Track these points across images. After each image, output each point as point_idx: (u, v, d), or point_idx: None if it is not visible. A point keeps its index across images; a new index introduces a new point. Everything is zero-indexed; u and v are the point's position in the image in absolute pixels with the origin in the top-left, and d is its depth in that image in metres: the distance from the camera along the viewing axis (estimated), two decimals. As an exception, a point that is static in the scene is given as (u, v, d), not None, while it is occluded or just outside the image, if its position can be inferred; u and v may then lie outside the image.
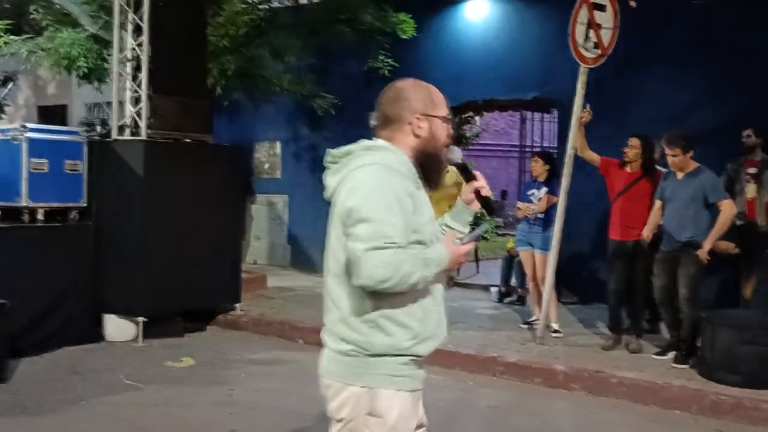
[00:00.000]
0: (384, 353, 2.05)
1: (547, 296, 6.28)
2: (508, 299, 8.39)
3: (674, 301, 5.65)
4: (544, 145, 18.63)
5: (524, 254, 6.90)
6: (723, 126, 6.80)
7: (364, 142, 2.15)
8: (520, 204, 6.89)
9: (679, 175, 5.68)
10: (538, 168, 6.87)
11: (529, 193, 6.87)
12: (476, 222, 2.41)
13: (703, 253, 5.41)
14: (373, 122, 2.22)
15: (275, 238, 11.03)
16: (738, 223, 6.01)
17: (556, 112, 9.84)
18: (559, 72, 7.51)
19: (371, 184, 2.01)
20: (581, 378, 5.45)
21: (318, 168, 2.31)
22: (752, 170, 6.43)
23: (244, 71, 8.69)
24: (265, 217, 11.10)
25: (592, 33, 5.99)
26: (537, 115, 20.12)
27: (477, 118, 15.49)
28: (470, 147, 16.52)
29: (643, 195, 6.02)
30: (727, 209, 5.47)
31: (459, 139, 12.86)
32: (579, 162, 6.26)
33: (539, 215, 6.66)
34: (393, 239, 1.95)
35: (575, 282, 8.06)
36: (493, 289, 8.61)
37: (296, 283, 9.25)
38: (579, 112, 6.07)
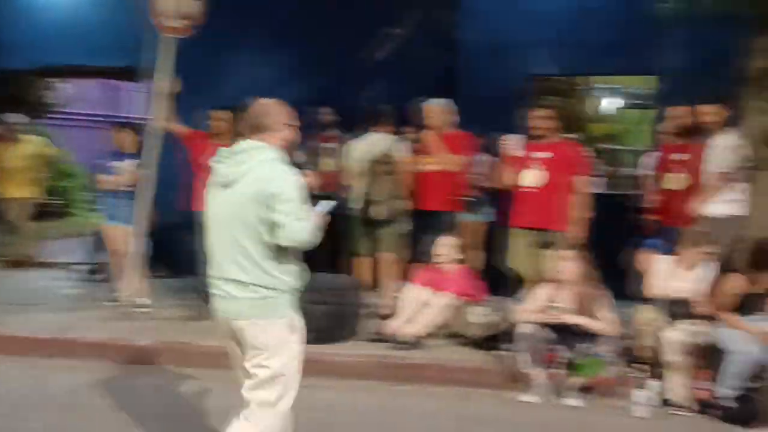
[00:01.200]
0: (289, 290, 2.89)
1: (131, 270, 6.03)
2: (95, 276, 7.86)
3: None
4: (138, 116, 17.68)
5: (110, 229, 6.53)
6: (306, 102, 6.91)
7: (250, 143, 2.92)
8: (103, 176, 6.47)
9: None
10: (124, 139, 6.52)
11: (110, 164, 6.49)
12: (317, 202, 3.13)
13: None
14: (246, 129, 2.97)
15: None
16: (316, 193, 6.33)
17: (147, 83, 9.35)
18: (150, 41, 7.13)
19: (285, 174, 2.84)
20: (168, 351, 5.37)
21: None
22: (330, 145, 6.86)
23: None
24: None
25: (177, 2, 5.78)
26: (134, 85, 19.00)
27: (67, 84, 14.16)
28: (56, 116, 15.02)
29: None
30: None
31: (36, 106, 11.57)
32: (168, 134, 6.08)
33: (127, 188, 6.33)
34: (305, 212, 2.82)
35: (165, 255, 7.80)
36: (77, 267, 8.06)
37: None
38: (164, 83, 5.86)
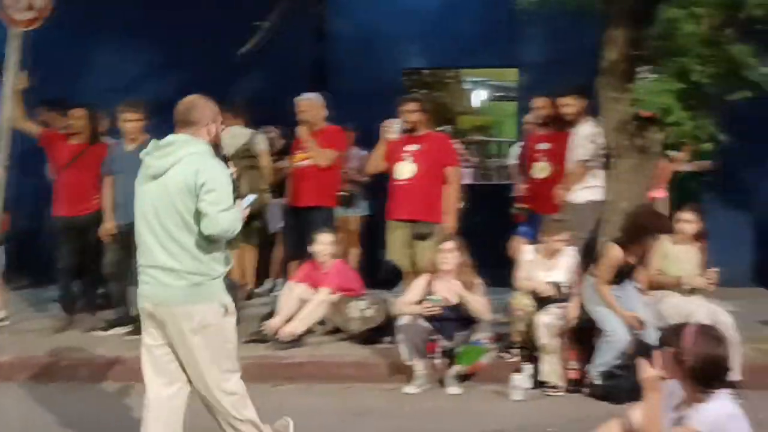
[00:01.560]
0: (218, 277, 2.96)
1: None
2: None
3: (125, 274, 5.58)
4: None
5: (-42, 238, 5.98)
6: (172, 97, 6.83)
7: (178, 136, 3.02)
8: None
9: (130, 147, 5.54)
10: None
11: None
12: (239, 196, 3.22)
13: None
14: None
15: None
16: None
17: None
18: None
19: (214, 166, 2.95)
20: (29, 366, 5.02)
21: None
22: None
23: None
24: None
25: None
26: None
27: None
28: None
29: (89, 167, 5.77)
30: None
31: None
32: (20, 134, 5.66)
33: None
34: (230, 203, 2.90)
35: (25, 264, 7.30)
36: None
37: None
38: (13, 79, 5.43)
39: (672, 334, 2.64)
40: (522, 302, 4.91)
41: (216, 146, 3.13)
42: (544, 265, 5.05)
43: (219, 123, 3.14)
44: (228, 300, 3.10)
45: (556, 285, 4.95)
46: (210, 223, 2.91)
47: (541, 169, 5.74)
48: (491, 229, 6.04)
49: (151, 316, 3.08)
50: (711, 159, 6.41)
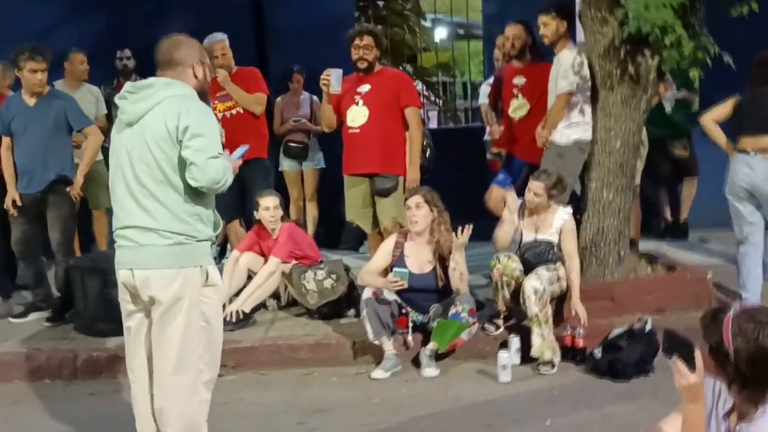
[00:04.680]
0: (204, 239, 2.75)
1: None
2: None
3: (38, 252, 4.92)
4: None
5: None
6: (96, 47, 6.22)
7: (160, 78, 2.77)
8: None
9: (31, 101, 4.75)
10: None
11: None
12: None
13: (75, 190, 4.82)
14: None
15: None
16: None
17: None
18: None
19: (198, 108, 2.71)
20: None
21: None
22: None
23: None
24: None
25: None
26: None
27: None
28: None
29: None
30: (94, 137, 4.91)
31: None
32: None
33: None
34: (219, 150, 2.69)
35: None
36: None
37: None
38: None
39: (710, 321, 1.97)
40: (507, 266, 4.20)
41: (203, 93, 2.83)
42: (531, 224, 4.40)
43: (207, 65, 2.85)
44: (216, 273, 2.82)
45: (544, 241, 4.31)
46: (198, 172, 2.63)
47: (517, 107, 5.12)
48: (463, 179, 5.68)
49: (127, 288, 2.78)
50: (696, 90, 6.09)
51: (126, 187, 2.73)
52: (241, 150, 2.99)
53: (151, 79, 2.79)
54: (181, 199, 2.70)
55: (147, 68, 6.06)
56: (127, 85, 2.79)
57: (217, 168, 2.65)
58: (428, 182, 4.81)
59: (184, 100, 2.72)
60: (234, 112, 5.43)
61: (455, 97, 7.74)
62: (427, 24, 7.68)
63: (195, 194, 2.71)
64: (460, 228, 4.06)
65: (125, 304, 2.81)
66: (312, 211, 6.56)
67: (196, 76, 2.80)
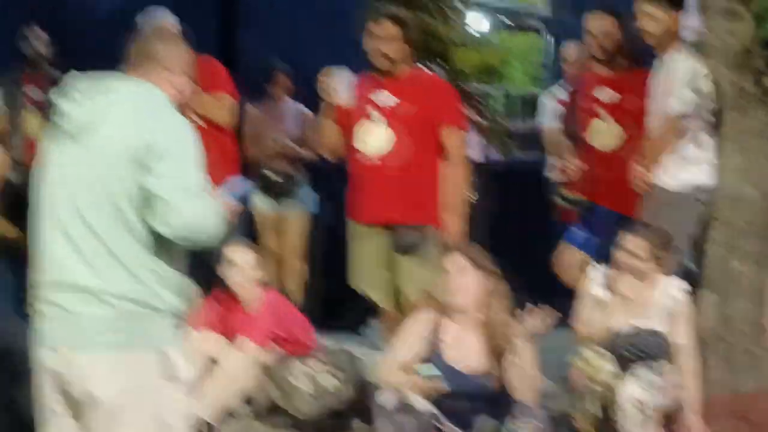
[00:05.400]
0: (167, 310, 2.77)
1: None
2: None
3: None
4: None
5: None
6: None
7: (125, 75, 2.84)
8: None
9: None
10: None
11: None
12: None
13: None
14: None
15: None
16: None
17: None
18: None
19: (176, 120, 2.76)
20: None
21: None
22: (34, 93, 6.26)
23: None
24: None
25: None
26: None
27: None
28: None
29: None
30: None
31: None
32: None
33: None
34: (200, 181, 2.71)
35: None
36: None
37: None
38: None
39: None
40: (593, 365, 4.30)
41: (182, 110, 2.91)
42: (625, 303, 4.50)
43: (190, 82, 2.98)
44: (181, 361, 2.83)
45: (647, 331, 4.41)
46: (170, 213, 2.65)
47: (603, 134, 5.32)
48: (520, 235, 6.06)
49: (52, 373, 2.78)
50: None
51: (59, 228, 2.74)
52: (237, 185, 3.04)
53: (111, 74, 2.83)
54: (141, 250, 2.71)
55: (68, 59, 6.27)
56: (74, 78, 2.82)
57: (200, 209, 2.69)
58: (474, 237, 4.99)
59: (157, 106, 2.76)
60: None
61: (500, 114, 7.95)
62: (460, 6, 7.93)
63: (162, 245, 2.74)
64: (526, 307, 4.17)
65: (46, 402, 2.82)
66: (296, 274, 6.69)
67: (174, 87, 2.89)
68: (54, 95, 2.80)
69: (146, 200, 2.67)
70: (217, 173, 5.26)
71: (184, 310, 2.87)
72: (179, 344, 2.84)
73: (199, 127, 5.34)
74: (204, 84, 5.40)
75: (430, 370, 4.20)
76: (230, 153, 5.67)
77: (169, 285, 2.80)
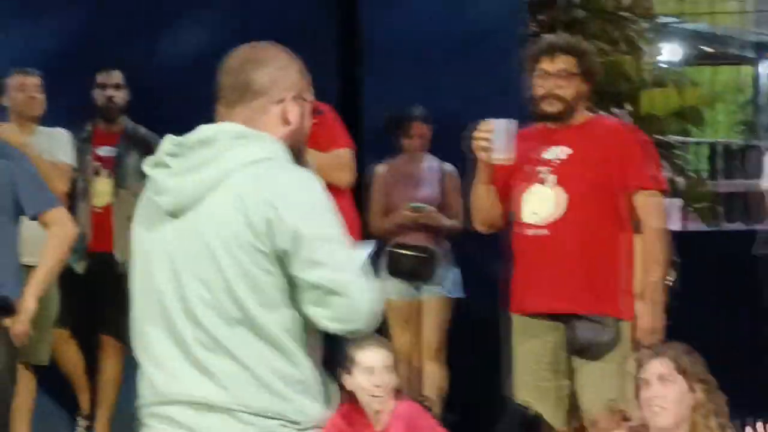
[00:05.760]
0: (310, 426, 2.79)
1: None
2: None
3: None
4: None
5: None
6: (58, 65, 6.83)
7: (228, 126, 2.84)
8: None
9: None
10: None
11: None
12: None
13: (21, 325, 5.22)
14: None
15: None
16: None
17: None
18: None
19: (303, 183, 2.79)
20: None
21: None
22: (104, 151, 6.63)
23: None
24: None
25: None
26: None
27: None
28: None
29: None
30: (61, 228, 5.32)
31: None
32: None
33: None
34: (358, 259, 2.76)
35: None
36: None
37: None
38: None
39: None
40: None
41: (297, 151, 2.93)
42: None
43: (308, 101, 2.97)
44: None
45: None
46: (346, 307, 2.69)
47: None
48: (734, 329, 5.91)
49: None
50: None
51: (167, 330, 2.78)
52: (368, 246, 3.04)
53: (209, 130, 2.82)
54: (273, 354, 2.74)
55: (150, 103, 6.48)
56: (167, 141, 2.84)
57: (372, 294, 2.70)
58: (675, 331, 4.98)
59: (273, 168, 2.76)
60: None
61: (695, 170, 7.91)
62: (651, 34, 7.88)
63: (298, 345, 2.75)
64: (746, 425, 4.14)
65: None
66: (436, 377, 6.70)
67: (287, 121, 2.86)
68: (148, 164, 2.83)
69: (280, 292, 2.70)
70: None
71: (327, 417, 2.88)
72: None
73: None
74: (317, 138, 5.54)
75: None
76: (351, 221, 5.69)
77: (310, 390, 2.81)
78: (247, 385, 2.72)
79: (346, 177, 5.71)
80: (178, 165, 2.79)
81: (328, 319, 2.66)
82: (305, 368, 2.77)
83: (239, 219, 2.69)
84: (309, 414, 2.77)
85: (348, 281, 2.65)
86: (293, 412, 2.73)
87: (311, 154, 5.46)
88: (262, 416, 2.71)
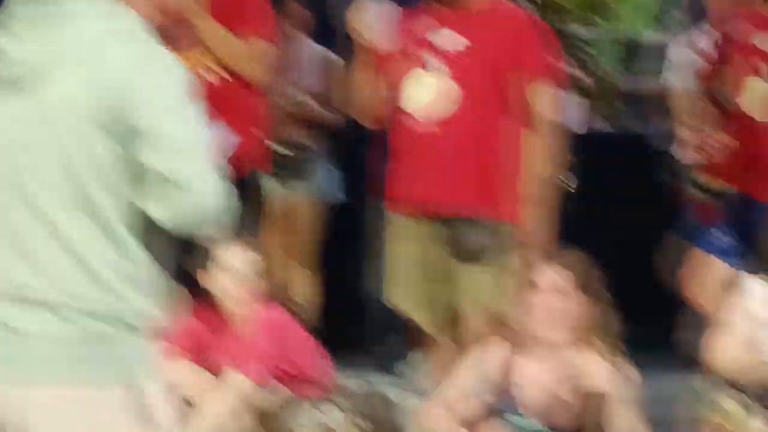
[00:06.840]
0: (140, 325, 2.78)
1: None
2: None
3: None
4: None
5: None
6: None
7: None
8: None
9: None
10: None
11: None
12: None
13: None
14: None
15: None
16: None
17: None
18: None
19: (160, 57, 2.79)
20: None
21: None
22: None
23: None
24: None
25: None
26: None
27: None
28: None
29: None
30: None
31: None
32: None
33: None
34: (209, 146, 2.82)
35: None
36: None
37: None
38: None
39: None
40: (734, 420, 4.41)
41: (163, 34, 2.93)
42: None
43: None
44: (157, 394, 2.80)
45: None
46: (184, 197, 2.69)
47: (764, 98, 5.45)
48: (631, 237, 6.17)
49: None
50: None
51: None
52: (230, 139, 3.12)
53: None
54: (109, 245, 2.75)
55: None
56: (15, 5, 2.82)
57: (212, 183, 2.72)
58: (567, 238, 5.18)
59: (129, 38, 2.77)
60: (212, 73, 5.73)
61: (599, 65, 8.07)
62: None
63: (135, 238, 2.79)
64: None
65: None
66: (307, 284, 6.86)
67: (150, 3, 2.89)
68: None
69: (124, 175, 2.70)
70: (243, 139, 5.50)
71: (165, 325, 2.93)
72: (158, 376, 2.85)
73: (221, 81, 5.61)
74: (231, 21, 5.65)
75: (525, 424, 4.39)
76: (258, 114, 5.83)
77: (149, 291, 2.83)
78: (78, 276, 2.72)
79: (256, 73, 5.74)
80: (25, 29, 2.78)
81: (168, 218, 2.69)
82: (140, 263, 2.77)
83: (86, 94, 2.67)
84: (139, 309, 2.78)
85: (193, 174, 2.66)
86: (123, 308, 2.73)
87: (224, 38, 5.73)
88: (91, 312, 2.71)
